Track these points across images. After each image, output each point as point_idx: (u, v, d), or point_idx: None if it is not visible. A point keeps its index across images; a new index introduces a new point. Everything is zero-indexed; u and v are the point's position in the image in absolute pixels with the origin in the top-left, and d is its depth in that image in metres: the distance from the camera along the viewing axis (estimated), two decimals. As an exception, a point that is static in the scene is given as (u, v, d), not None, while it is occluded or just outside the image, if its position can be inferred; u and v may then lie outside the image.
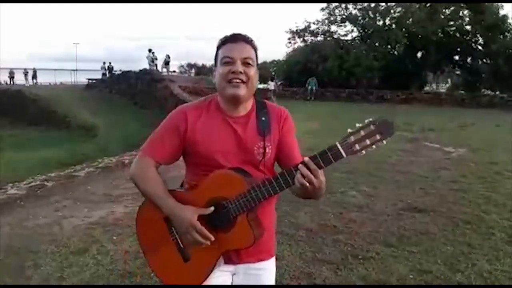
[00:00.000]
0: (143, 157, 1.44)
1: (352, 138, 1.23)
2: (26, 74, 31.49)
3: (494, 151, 8.33)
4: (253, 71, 1.39)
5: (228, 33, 1.44)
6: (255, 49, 1.44)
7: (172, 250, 1.39)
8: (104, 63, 30.14)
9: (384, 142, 1.23)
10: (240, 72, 1.36)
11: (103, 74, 28.85)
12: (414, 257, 3.37)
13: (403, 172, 6.43)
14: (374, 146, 1.24)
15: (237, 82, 1.36)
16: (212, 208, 1.33)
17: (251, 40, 1.43)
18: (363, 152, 1.23)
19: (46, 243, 3.67)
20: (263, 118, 1.43)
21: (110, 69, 29.91)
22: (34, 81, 31.23)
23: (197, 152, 1.41)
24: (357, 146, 1.23)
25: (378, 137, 1.22)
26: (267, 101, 1.52)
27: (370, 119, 1.24)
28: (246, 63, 1.38)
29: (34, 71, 32.05)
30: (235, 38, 1.41)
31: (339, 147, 1.22)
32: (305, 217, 4.24)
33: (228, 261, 1.44)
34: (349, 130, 1.24)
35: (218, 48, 1.43)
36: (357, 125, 1.24)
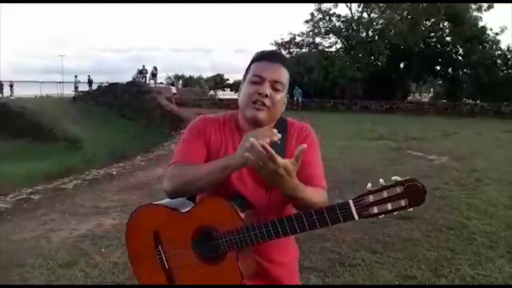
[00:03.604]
0: (172, 166, 1.31)
1: (371, 198, 1.06)
2: (11, 86, 31.00)
3: (475, 159, 8.55)
4: (280, 97, 1.30)
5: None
6: (290, 74, 1.34)
7: (157, 268, 1.30)
8: (76, 76, 30.02)
9: (410, 209, 1.04)
10: (266, 96, 1.26)
11: (76, 88, 28.73)
12: (399, 263, 3.45)
13: (388, 180, 6.53)
14: (395, 213, 1.05)
15: (260, 105, 1.27)
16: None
17: (288, 64, 1.34)
18: (381, 217, 1.06)
19: (33, 257, 3.64)
20: (278, 141, 1.28)
21: (90, 82, 29.80)
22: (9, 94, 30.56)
23: None
24: (375, 209, 1.05)
25: (403, 203, 1.03)
26: (290, 119, 1.41)
27: (398, 179, 1.05)
28: (275, 88, 1.29)
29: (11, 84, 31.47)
30: (273, 58, 1.33)
31: (352, 207, 1.07)
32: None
33: None
34: (369, 187, 1.06)
35: (252, 62, 1.34)
36: (381, 181, 1.06)
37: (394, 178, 1.05)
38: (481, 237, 4.03)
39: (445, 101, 27.64)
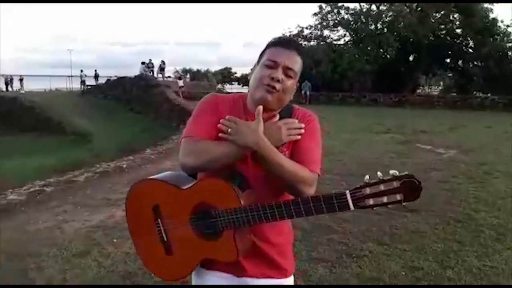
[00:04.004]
0: (184, 140, 1.34)
1: (368, 191, 1.09)
2: (21, 80, 31.31)
3: (484, 152, 8.52)
4: (290, 83, 1.32)
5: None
6: (303, 62, 1.36)
7: (156, 240, 1.34)
8: (81, 70, 29.94)
9: (404, 204, 1.07)
10: (278, 80, 1.29)
11: (82, 82, 28.82)
12: (405, 255, 3.49)
13: (386, 174, 6.56)
14: (390, 206, 1.08)
15: (271, 88, 1.29)
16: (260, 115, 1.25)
17: (303, 52, 1.36)
18: (375, 209, 1.09)
19: (48, 247, 3.74)
20: None
21: (97, 76, 29.93)
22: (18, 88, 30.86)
23: None
24: (370, 201, 1.08)
25: (398, 197, 1.06)
26: (296, 106, 1.42)
27: (396, 173, 1.07)
28: (287, 74, 1.31)
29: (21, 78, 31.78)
30: (288, 44, 1.35)
31: (348, 197, 1.10)
32: (300, 218, 4.35)
33: (229, 272, 1.37)
34: (366, 179, 1.09)
35: (267, 47, 1.36)
36: (379, 174, 1.09)
37: (392, 172, 1.07)
38: (489, 230, 4.05)
39: (454, 94, 27.38)
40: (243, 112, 1.37)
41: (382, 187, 1.07)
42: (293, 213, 1.19)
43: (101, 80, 28.26)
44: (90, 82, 29.07)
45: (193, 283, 1.46)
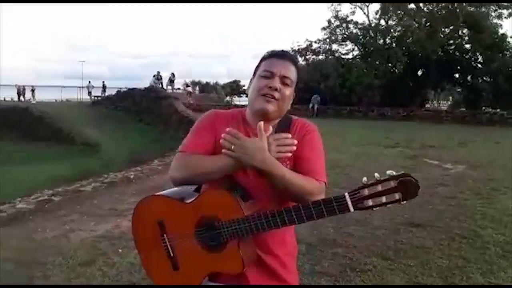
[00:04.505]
0: (181, 155, 1.38)
1: (366, 192, 1.10)
2: (33, 90, 31.86)
3: (492, 168, 8.43)
4: (288, 91, 1.37)
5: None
6: (298, 72, 1.41)
7: (163, 255, 1.35)
8: (89, 82, 30.60)
9: (403, 203, 1.08)
10: (276, 89, 1.33)
11: (89, 93, 29.26)
12: (410, 270, 3.47)
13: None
14: (389, 206, 1.09)
15: (270, 98, 1.33)
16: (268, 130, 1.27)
17: (297, 62, 1.42)
18: (375, 209, 1.10)
19: (54, 255, 3.79)
20: None
21: (104, 87, 30.38)
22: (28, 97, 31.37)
23: None
24: (370, 202, 1.09)
25: (397, 196, 1.08)
26: (296, 117, 1.46)
27: (392, 173, 1.09)
28: (284, 83, 1.35)
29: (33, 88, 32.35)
30: (282, 55, 1.40)
31: (348, 200, 1.12)
32: (305, 231, 4.34)
33: (233, 284, 1.38)
34: (364, 180, 1.11)
35: (262, 60, 1.41)
36: (376, 175, 1.10)
37: (389, 172, 1.09)
38: (495, 246, 4.01)
39: (464, 109, 27.21)
40: (242, 126, 1.41)
41: (380, 187, 1.08)
42: (294, 218, 1.20)
43: (109, 92, 28.64)
44: (98, 93, 29.50)
45: None
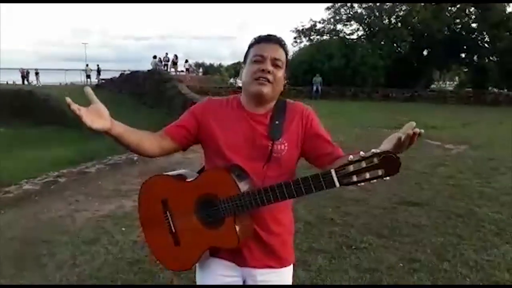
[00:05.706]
0: None
1: (351, 168, 1.15)
2: (37, 74, 31.94)
3: (493, 148, 8.47)
4: (281, 73, 1.42)
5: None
6: (286, 53, 1.46)
7: (165, 231, 1.43)
8: (87, 65, 30.21)
9: (386, 179, 1.13)
10: (269, 72, 1.38)
11: (87, 76, 29.16)
12: (404, 247, 3.57)
13: (402, 168, 6.59)
14: (374, 181, 1.15)
15: (264, 80, 1.38)
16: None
17: (284, 44, 1.45)
18: (360, 184, 1.16)
19: (59, 234, 3.93)
20: (277, 122, 1.42)
21: (99, 70, 30.22)
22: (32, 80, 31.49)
23: (209, 142, 1.46)
24: (354, 178, 1.15)
25: (379, 172, 1.13)
26: (290, 100, 1.52)
27: (375, 150, 1.14)
28: (275, 64, 1.40)
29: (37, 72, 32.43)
30: (269, 39, 1.44)
31: (333, 175, 1.17)
32: (304, 211, 4.45)
33: (231, 260, 1.46)
34: (350, 157, 1.15)
35: (250, 46, 1.45)
36: (361, 153, 1.15)
37: (372, 150, 1.14)
38: (490, 224, 4.10)
39: (469, 89, 26.96)
40: (237, 110, 1.46)
41: (364, 164, 1.13)
42: (285, 193, 1.26)
43: (112, 74, 28.51)
44: (93, 76, 29.40)
45: (197, 271, 1.56)
